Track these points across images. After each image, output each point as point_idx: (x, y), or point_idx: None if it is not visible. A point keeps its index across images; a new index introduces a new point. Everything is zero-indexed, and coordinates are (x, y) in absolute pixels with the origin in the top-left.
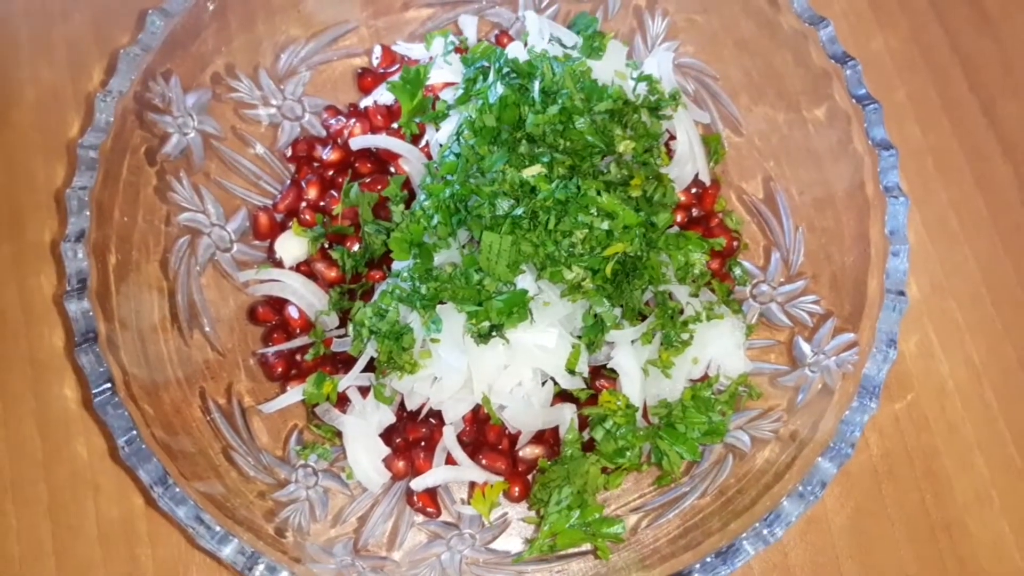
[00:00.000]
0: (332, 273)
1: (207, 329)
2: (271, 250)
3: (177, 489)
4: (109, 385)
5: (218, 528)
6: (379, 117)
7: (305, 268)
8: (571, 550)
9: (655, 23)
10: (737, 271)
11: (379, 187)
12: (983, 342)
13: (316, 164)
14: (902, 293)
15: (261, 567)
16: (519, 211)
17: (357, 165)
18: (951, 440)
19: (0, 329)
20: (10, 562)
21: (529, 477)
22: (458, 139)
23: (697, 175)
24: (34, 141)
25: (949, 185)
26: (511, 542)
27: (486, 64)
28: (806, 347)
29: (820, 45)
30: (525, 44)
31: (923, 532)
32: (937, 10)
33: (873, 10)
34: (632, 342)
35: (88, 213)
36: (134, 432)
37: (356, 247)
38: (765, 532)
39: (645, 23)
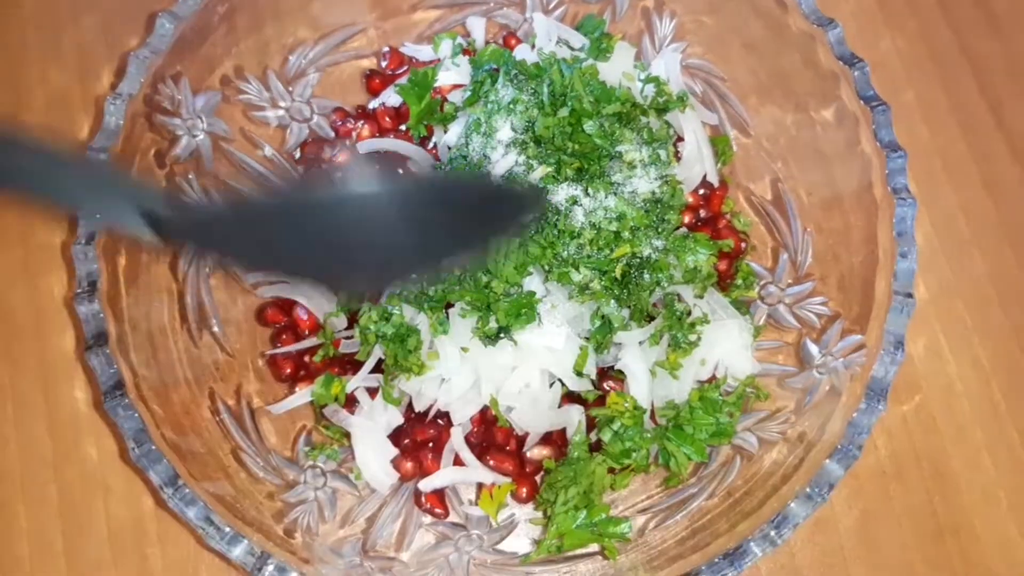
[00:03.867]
0: None
1: (216, 330)
2: None
3: (187, 490)
4: (119, 387)
5: (228, 529)
6: (387, 119)
7: None
8: (579, 551)
9: (663, 24)
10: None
11: None
12: (991, 343)
13: (324, 166)
14: (910, 295)
15: (271, 568)
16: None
17: None
18: (959, 441)
19: (11, 331)
20: (20, 562)
21: (537, 478)
22: (467, 142)
23: (705, 176)
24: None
25: (957, 186)
26: (519, 543)
27: (495, 67)
28: (814, 349)
29: (828, 46)
30: (533, 47)
31: (931, 533)
32: (945, 10)
33: (882, 10)
34: (640, 344)
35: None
36: (144, 433)
37: None
38: (772, 534)
39: (653, 24)
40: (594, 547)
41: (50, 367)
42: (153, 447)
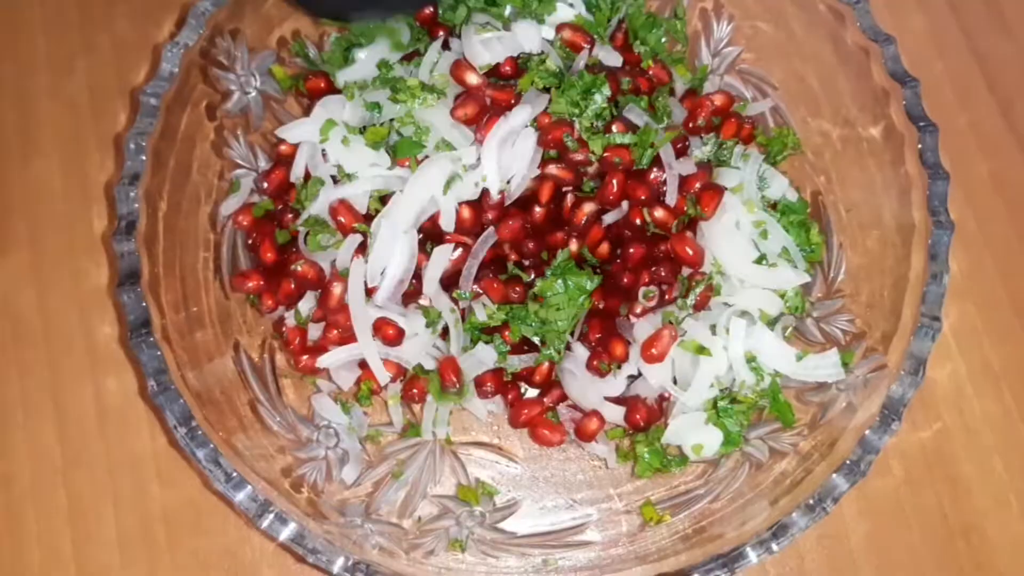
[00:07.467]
0: None
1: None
2: None
3: (200, 431)
4: (146, 325)
5: (234, 473)
6: None
7: None
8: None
9: (720, 27)
10: None
11: None
12: (1002, 345)
13: None
14: (937, 319)
15: (271, 516)
16: None
17: None
18: (969, 444)
19: (20, 337)
20: (30, 568)
21: None
22: None
23: None
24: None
25: (968, 188)
26: (519, 524)
27: None
28: None
29: (882, 63)
30: None
31: (941, 537)
32: (954, 9)
33: (890, 11)
34: None
35: (144, 158)
36: (165, 373)
37: None
38: (771, 541)
39: (711, 26)
40: (592, 535)
41: (60, 372)
42: (172, 386)
